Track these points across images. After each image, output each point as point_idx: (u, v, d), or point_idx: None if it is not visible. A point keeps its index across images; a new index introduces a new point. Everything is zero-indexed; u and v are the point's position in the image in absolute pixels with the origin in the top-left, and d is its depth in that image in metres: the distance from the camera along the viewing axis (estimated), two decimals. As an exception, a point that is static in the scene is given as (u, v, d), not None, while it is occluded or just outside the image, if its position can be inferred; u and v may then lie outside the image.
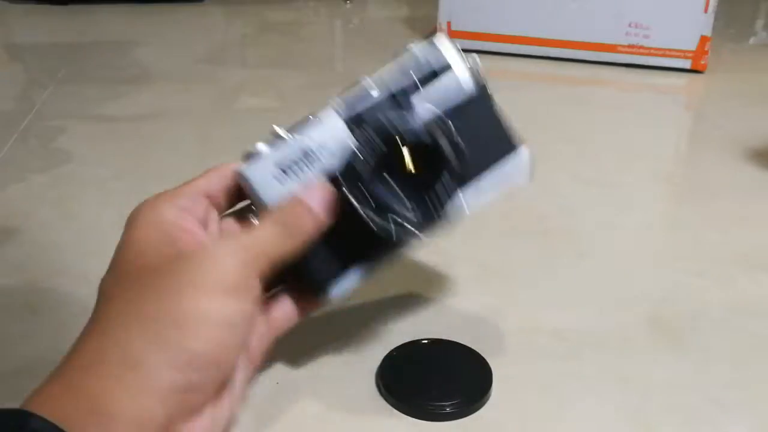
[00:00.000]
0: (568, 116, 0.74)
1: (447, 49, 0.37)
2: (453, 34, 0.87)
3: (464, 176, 0.35)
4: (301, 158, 0.35)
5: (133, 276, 0.30)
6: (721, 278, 0.47)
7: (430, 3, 0.89)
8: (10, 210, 0.55)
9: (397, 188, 0.34)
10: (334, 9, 1.08)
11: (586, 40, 0.84)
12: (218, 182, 0.35)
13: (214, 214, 0.35)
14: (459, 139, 0.34)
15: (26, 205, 0.56)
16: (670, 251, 0.51)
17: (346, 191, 0.33)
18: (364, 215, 0.33)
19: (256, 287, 0.31)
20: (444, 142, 0.34)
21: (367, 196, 0.33)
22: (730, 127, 0.71)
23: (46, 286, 0.46)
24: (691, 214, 0.56)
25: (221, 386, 0.30)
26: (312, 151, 0.35)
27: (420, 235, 0.34)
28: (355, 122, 0.35)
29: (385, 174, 0.34)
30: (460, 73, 0.37)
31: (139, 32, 0.95)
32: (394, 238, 0.33)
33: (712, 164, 0.64)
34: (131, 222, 0.32)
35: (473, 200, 0.36)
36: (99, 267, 0.45)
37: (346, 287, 0.36)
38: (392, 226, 0.33)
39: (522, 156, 0.38)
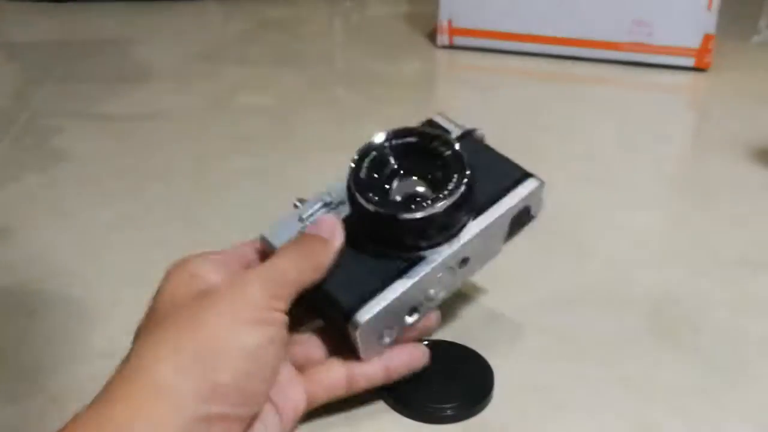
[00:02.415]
0: (569, 114, 0.74)
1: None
2: (454, 32, 0.87)
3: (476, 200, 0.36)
4: (321, 209, 0.37)
5: (164, 316, 0.31)
6: (723, 278, 0.47)
7: (431, 0, 0.89)
8: (5, 210, 0.54)
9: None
10: (334, 6, 1.07)
11: (589, 37, 0.84)
12: (249, 251, 0.37)
13: None
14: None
15: (22, 205, 0.55)
16: (672, 251, 0.51)
17: (358, 195, 0.35)
18: (368, 205, 0.34)
19: (281, 317, 0.31)
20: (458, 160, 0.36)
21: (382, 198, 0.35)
22: (733, 125, 0.71)
23: (42, 286, 0.46)
24: (694, 213, 0.56)
25: (247, 422, 0.30)
26: (330, 202, 0.37)
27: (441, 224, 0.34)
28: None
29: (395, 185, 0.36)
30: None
31: (137, 30, 0.95)
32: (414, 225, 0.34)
33: (715, 163, 0.64)
34: (166, 275, 0.33)
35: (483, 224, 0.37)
36: (95, 267, 0.45)
37: (374, 309, 0.34)
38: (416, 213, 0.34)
39: (532, 184, 0.38)
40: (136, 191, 0.57)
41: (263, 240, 0.36)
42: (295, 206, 0.37)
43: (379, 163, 0.36)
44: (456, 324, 0.42)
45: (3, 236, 0.51)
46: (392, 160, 0.36)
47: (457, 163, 0.35)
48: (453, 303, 0.44)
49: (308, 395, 0.34)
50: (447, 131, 0.39)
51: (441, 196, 0.34)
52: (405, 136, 0.36)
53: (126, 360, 0.30)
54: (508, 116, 0.73)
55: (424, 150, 0.36)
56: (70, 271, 0.47)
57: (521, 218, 0.38)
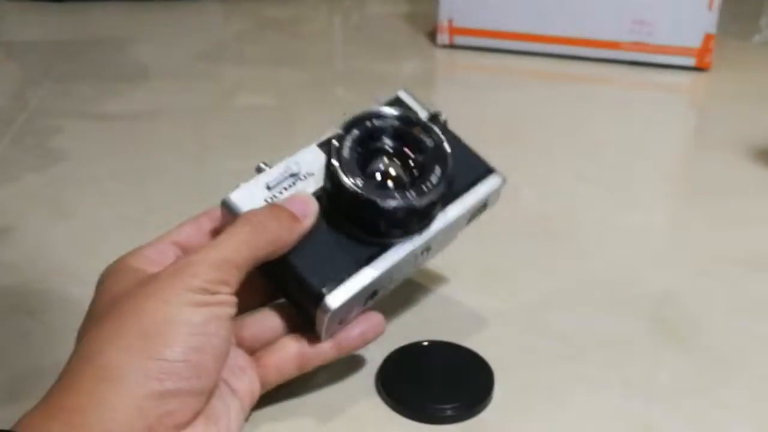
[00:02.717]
0: (570, 114, 0.74)
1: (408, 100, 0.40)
2: (454, 31, 0.87)
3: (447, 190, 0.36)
4: (288, 178, 0.35)
5: (104, 310, 0.30)
6: (723, 278, 0.47)
7: (431, 0, 0.89)
8: (4, 210, 0.54)
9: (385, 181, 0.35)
10: (334, 5, 1.07)
11: (589, 37, 0.84)
12: (191, 230, 0.35)
13: None
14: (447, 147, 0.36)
15: (21, 205, 0.55)
16: (672, 251, 0.51)
17: (342, 175, 0.34)
18: (350, 184, 0.33)
19: (227, 298, 0.31)
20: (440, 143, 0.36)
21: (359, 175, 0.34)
22: (734, 125, 0.70)
23: (41, 286, 0.46)
24: (694, 213, 0.56)
25: (204, 398, 0.30)
26: (297, 172, 0.35)
27: (415, 206, 0.34)
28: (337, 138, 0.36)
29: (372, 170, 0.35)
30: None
31: (136, 29, 0.95)
32: (387, 208, 0.33)
33: (716, 163, 0.64)
34: (100, 277, 0.33)
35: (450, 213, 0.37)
36: (95, 267, 0.45)
37: (345, 295, 0.33)
38: (389, 200, 0.33)
39: (496, 181, 0.39)
40: (136, 191, 0.57)
41: (225, 205, 0.34)
42: (259, 169, 0.36)
43: (362, 142, 0.35)
44: (456, 324, 0.42)
45: (3, 236, 0.51)
46: (375, 141, 0.36)
47: (441, 156, 0.35)
48: (453, 303, 0.44)
49: (261, 379, 0.34)
50: (411, 110, 0.39)
51: (424, 188, 0.34)
52: (388, 118, 0.36)
53: (71, 357, 0.29)
54: (507, 116, 0.73)
55: (407, 134, 0.36)
56: (70, 271, 0.47)
57: (478, 210, 0.39)
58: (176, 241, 0.34)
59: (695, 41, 0.81)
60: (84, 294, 0.44)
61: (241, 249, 0.31)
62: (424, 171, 0.35)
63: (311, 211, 0.34)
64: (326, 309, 0.33)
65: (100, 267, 0.44)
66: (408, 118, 0.36)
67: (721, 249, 0.50)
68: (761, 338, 0.42)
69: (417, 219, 0.35)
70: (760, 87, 0.80)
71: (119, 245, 0.50)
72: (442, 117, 0.38)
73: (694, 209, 0.57)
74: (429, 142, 0.36)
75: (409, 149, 0.36)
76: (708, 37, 0.80)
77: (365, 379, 0.38)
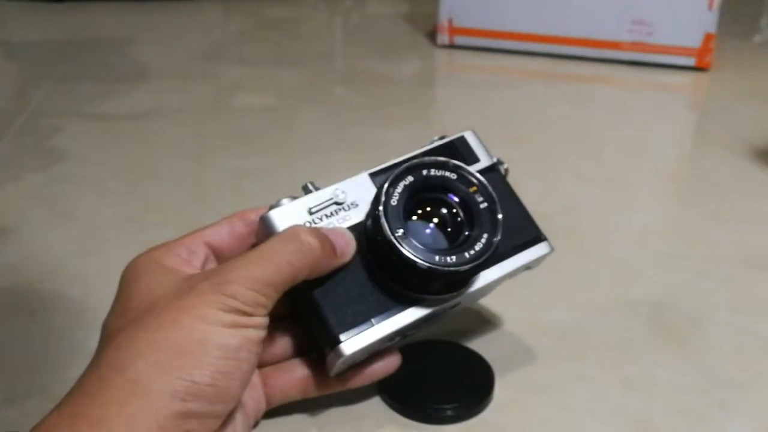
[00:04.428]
0: (570, 114, 0.74)
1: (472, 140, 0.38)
2: (454, 31, 0.87)
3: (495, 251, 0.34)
4: (332, 206, 0.34)
5: (134, 313, 0.30)
6: (724, 278, 0.47)
7: (431, 0, 0.89)
8: (5, 209, 0.54)
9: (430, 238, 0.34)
10: (334, 5, 1.07)
11: (589, 37, 0.84)
12: (224, 233, 0.34)
13: (213, 264, 0.34)
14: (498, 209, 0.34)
15: (21, 205, 0.55)
16: (672, 251, 0.51)
17: (386, 227, 0.32)
18: (396, 243, 0.32)
19: (262, 321, 0.30)
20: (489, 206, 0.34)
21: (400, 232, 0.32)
22: (734, 125, 0.70)
23: (41, 286, 0.46)
24: (694, 213, 0.56)
25: (222, 420, 0.30)
26: (342, 201, 0.34)
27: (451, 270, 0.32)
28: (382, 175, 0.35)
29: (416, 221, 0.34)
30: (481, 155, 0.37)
31: (136, 30, 0.95)
32: (427, 269, 0.32)
33: (716, 163, 0.63)
34: (130, 269, 0.32)
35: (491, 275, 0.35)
36: (95, 267, 0.45)
37: (361, 344, 0.32)
38: (426, 263, 0.32)
39: (544, 249, 0.37)
40: (135, 191, 0.57)
41: (263, 221, 0.33)
42: (306, 189, 0.34)
43: (413, 191, 0.33)
44: (456, 324, 0.42)
45: (3, 236, 0.51)
46: (426, 191, 0.34)
47: (491, 223, 0.33)
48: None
49: (267, 397, 0.34)
50: (474, 155, 0.37)
51: (467, 255, 0.32)
52: (443, 170, 0.34)
53: (98, 357, 0.29)
54: (508, 116, 0.73)
55: (463, 191, 0.34)
56: (70, 271, 0.47)
57: (518, 272, 0.38)
58: (208, 241, 0.34)
59: (695, 41, 0.81)
60: (84, 294, 0.45)
61: (284, 270, 0.30)
62: (471, 235, 0.33)
63: (350, 250, 0.33)
64: (339, 354, 0.32)
65: (100, 267, 0.44)
66: (467, 175, 0.34)
67: (721, 249, 0.50)
68: (761, 338, 0.42)
69: (454, 282, 0.33)
70: (760, 87, 0.80)
71: (119, 245, 0.50)
72: (504, 167, 0.37)
73: (694, 209, 0.57)
74: (483, 204, 0.34)
75: (461, 208, 0.34)
76: (708, 37, 0.80)
77: (365, 379, 0.38)
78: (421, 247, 0.32)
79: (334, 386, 0.35)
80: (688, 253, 0.50)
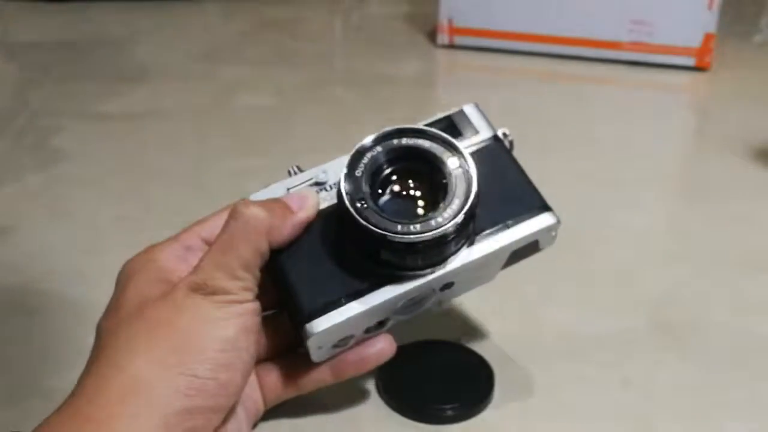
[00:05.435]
0: (569, 114, 0.74)
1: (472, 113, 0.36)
2: (454, 31, 0.87)
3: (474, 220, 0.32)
4: (312, 186, 0.34)
5: (132, 312, 0.30)
6: (723, 279, 0.47)
7: (431, 0, 0.89)
8: (5, 209, 0.54)
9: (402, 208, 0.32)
10: (334, 5, 1.07)
11: (589, 37, 0.84)
12: (215, 225, 0.34)
13: None
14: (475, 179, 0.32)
15: (21, 205, 0.55)
16: (672, 251, 0.51)
17: (346, 199, 0.31)
18: (353, 212, 0.31)
19: (252, 306, 0.31)
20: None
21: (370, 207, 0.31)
22: (734, 126, 0.70)
23: (41, 286, 0.46)
24: (694, 213, 0.56)
25: (225, 414, 0.30)
26: (323, 181, 0.34)
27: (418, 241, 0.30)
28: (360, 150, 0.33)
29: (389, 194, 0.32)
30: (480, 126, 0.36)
31: (136, 30, 0.95)
32: (394, 240, 0.30)
33: (716, 163, 0.63)
34: (125, 269, 0.32)
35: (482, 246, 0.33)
36: (95, 267, 0.45)
37: (330, 322, 0.31)
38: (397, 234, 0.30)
39: (548, 220, 0.34)
40: (136, 191, 0.57)
41: None
42: (290, 173, 0.34)
43: (377, 163, 0.32)
44: (456, 324, 0.42)
45: (3, 236, 0.51)
46: (393, 163, 0.32)
47: (462, 186, 0.31)
48: (453, 303, 0.44)
49: (263, 397, 0.34)
50: (473, 128, 0.35)
51: (433, 223, 0.30)
52: (414, 136, 0.32)
53: (95, 357, 0.29)
54: (507, 116, 0.73)
55: (435, 158, 0.32)
56: (70, 271, 0.47)
57: (525, 250, 0.35)
58: (204, 236, 0.34)
59: (695, 41, 0.81)
60: (84, 294, 0.45)
61: (243, 248, 0.31)
62: (443, 201, 0.31)
63: (308, 204, 0.33)
64: (309, 333, 0.31)
65: (100, 267, 0.44)
66: (442, 141, 0.32)
67: (721, 249, 0.50)
68: (761, 338, 0.42)
69: (420, 255, 0.31)
70: (760, 87, 0.80)
71: (119, 245, 0.50)
72: (509, 137, 0.35)
73: (694, 209, 0.57)
74: (457, 171, 0.32)
75: (433, 174, 0.32)
76: (708, 37, 0.80)
77: (365, 379, 0.38)
78: (382, 216, 0.31)
79: (327, 379, 0.34)
80: (688, 254, 0.50)
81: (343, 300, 0.32)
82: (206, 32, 0.97)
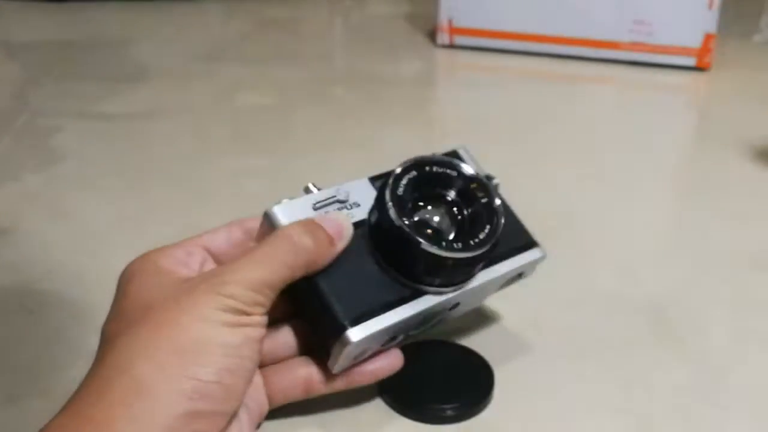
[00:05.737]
0: (570, 114, 0.74)
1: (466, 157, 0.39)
2: (454, 31, 0.87)
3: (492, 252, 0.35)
4: (335, 203, 0.35)
5: (135, 316, 0.30)
6: (724, 277, 0.47)
7: (431, 0, 0.89)
8: (5, 209, 0.54)
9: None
10: (334, 5, 1.07)
11: (589, 37, 0.84)
12: (222, 239, 0.34)
13: (211, 266, 0.34)
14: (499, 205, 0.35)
15: (21, 205, 0.55)
16: (672, 250, 0.51)
17: (391, 209, 0.33)
18: (397, 220, 0.33)
19: (260, 319, 0.30)
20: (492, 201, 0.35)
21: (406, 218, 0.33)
22: (734, 125, 0.70)
23: (41, 286, 0.46)
24: (694, 212, 0.56)
25: (228, 419, 0.30)
26: (345, 200, 0.35)
27: (451, 259, 0.33)
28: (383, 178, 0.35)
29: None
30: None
31: (136, 29, 0.95)
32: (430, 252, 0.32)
33: (716, 163, 0.64)
34: (126, 272, 0.32)
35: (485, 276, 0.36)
36: (95, 266, 0.45)
37: (367, 331, 0.32)
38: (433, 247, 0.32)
39: (537, 254, 0.39)
40: (135, 191, 0.57)
41: (267, 217, 0.33)
42: (307, 190, 0.35)
43: (417, 185, 0.34)
44: (456, 324, 0.42)
45: (3, 236, 0.51)
46: (430, 187, 0.35)
47: (493, 216, 0.35)
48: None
49: (269, 398, 0.34)
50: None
51: (471, 243, 0.33)
52: (447, 168, 0.36)
53: (99, 360, 0.29)
54: (508, 116, 0.73)
55: (464, 187, 0.35)
56: (70, 271, 0.47)
57: (512, 280, 0.39)
58: (206, 246, 0.34)
59: (695, 41, 0.81)
60: (84, 294, 0.45)
61: (280, 270, 0.31)
62: (474, 227, 0.34)
63: (345, 234, 0.33)
64: (346, 341, 0.32)
65: (100, 267, 0.44)
66: (467, 172, 0.36)
67: (721, 249, 0.50)
68: (761, 338, 0.42)
69: (457, 272, 0.34)
70: (760, 87, 0.80)
71: (119, 245, 0.50)
72: (495, 181, 0.38)
73: (694, 209, 0.57)
74: (483, 199, 0.35)
75: (463, 203, 0.35)
76: (708, 37, 0.80)
77: (365, 379, 0.38)
78: (427, 233, 0.34)
79: (336, 385, 0.35)
80: (688, 253, 0.50)
81: (377, 311, 0.33)
82: (206, 32, 0.97)
